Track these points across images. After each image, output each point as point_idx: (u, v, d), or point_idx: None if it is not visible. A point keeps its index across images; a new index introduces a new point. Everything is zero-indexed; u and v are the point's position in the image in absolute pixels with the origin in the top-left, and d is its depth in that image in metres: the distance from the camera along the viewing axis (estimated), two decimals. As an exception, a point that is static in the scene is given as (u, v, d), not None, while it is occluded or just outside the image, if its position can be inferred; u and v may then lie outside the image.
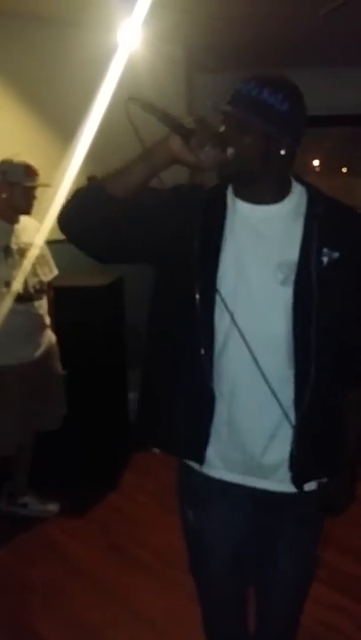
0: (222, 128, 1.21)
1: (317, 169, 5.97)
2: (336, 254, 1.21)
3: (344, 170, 6.00)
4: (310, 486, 1.34)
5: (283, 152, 1.22)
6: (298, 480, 1.31)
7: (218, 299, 1.23)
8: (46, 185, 2.82)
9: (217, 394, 1.28)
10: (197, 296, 1.23)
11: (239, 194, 1.27)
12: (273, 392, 1.24)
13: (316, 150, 5.84)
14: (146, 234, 1.24)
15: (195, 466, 1.36)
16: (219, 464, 1.34)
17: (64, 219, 1.24)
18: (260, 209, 1.25)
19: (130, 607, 2.34)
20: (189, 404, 1.31)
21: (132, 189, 1.20)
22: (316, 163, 5.96)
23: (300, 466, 1.29)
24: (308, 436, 1.28)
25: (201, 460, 1.33)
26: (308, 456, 1.30)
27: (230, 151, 1.18)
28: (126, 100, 1.19)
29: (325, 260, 1.21)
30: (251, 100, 1.18)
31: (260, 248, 1.24)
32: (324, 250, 1.21)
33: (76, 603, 2.38)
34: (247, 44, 4.03)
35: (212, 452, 1.32)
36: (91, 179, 1.24)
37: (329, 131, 5.50)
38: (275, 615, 1.50)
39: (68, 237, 1.25)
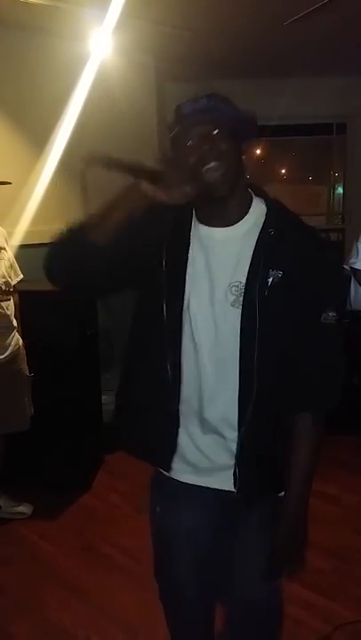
0: (192, 143, 1.22)
1: (284, 177, 6.09)
2: (280, 274, 1.23)
3: (310, 178, 6.14)
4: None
5: (243, 157, 1.28)
6: (242, 490, 1.34)
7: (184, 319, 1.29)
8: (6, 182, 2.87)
9: (184, 407, 1.35)
10: (165, 316, 1.29)
11: (201, 217, 1.31)
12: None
13: (283, 159, 5.97)
14: (124, 265, 1.28)
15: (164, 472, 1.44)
16: (186, 469, 1.39)
17: (50, 272, 1.27)
18: (217, 231, 1.29)
19: (103, 608, 2.36)
20: (159, 413, 1.36)
21: (111, 235, 1.19)
22: (283, 171, 6.09)
23: (242, 479, 1.33)
24: (249, 451, 1.32)
25: (168, 468, 1.40)
26: (250, 470, 1.33)
27: (214, 165, 1.20)
28: (84, 163, 1.22)
29: (270, 280, 1.23)
30: (210, 110, 1.23)
31: (215, 270, 1.28)
32: (270, 271, 1.23)
33: (49, 604, 2.39)
34: (215, 55, 4.11)
35: (178, 459, 1.39)
36: (69, 227, 1.26)
37: (296, 140, 5.63)
38: (237, 622, 1.52)
39: (56, 287, 1.32)
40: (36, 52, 3.43)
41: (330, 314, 1.27)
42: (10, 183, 2.99)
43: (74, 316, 3.09)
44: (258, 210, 1.30)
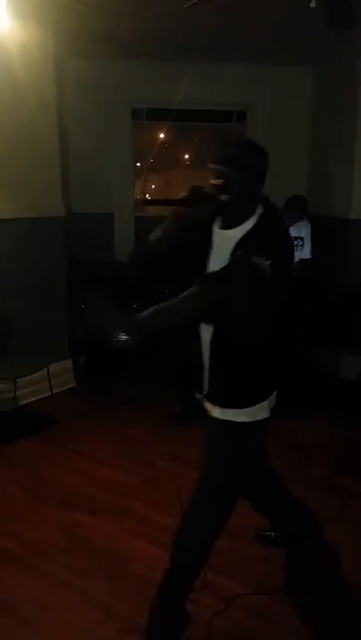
0: (216, 181, 1.84)
1: (187, 162, 6.12)
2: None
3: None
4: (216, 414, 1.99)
5: (256, 194, 1.86)
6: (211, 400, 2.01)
7: None
8: None
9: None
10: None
11: (218, 222, 1.94)
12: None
13: (186, 144, 5.99)
14: (178, 260, 2.00)
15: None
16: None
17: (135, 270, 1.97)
18: (224, 232, 1.91)
19: (1, 602, 2.29)
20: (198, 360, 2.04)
21: (169, 243, 1.94)
22: (186, 156, 6.11)
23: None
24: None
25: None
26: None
27: (223, 196, 1.83)
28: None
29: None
30: (234, 160, 1.84)
31: (221, 256, 1.85)
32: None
33: None
34: (117, 34, 4.02)
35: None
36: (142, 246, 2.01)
37: (197, 126, 5.64)
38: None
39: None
40: None
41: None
42: None
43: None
44: (254, 217, 1.87)
